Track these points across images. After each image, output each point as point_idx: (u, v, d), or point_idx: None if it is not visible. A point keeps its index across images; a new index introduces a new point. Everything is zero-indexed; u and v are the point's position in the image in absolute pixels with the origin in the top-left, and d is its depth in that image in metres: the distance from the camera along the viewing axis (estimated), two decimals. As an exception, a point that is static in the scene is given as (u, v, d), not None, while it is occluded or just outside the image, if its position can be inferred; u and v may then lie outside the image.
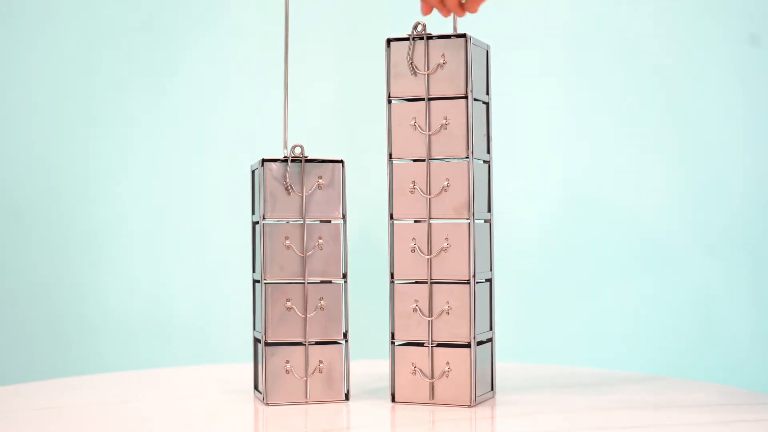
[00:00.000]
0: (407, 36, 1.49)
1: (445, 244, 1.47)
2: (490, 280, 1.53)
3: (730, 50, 2.52)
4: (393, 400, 1.50)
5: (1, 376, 2.56)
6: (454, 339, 1.47)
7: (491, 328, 1.53)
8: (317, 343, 1.53)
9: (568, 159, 2.57)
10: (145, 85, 2.68)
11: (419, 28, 1.48)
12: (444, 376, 1.47)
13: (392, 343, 1.50)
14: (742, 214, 2.53)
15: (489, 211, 1.53)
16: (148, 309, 2.66)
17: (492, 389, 1.53)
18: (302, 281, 1.52)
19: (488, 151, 1.53)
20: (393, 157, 1.50)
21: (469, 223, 1.46)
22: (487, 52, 1.53)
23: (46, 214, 2.66)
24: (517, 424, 1.40)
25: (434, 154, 1.48)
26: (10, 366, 2.64)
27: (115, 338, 2.66)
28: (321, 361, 1.52)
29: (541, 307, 2.58)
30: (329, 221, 1.54)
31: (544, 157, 2.59)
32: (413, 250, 1.49)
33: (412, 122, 1.48)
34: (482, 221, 1.51)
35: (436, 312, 1.48)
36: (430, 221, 1.48)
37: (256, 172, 1.55)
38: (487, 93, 1.53)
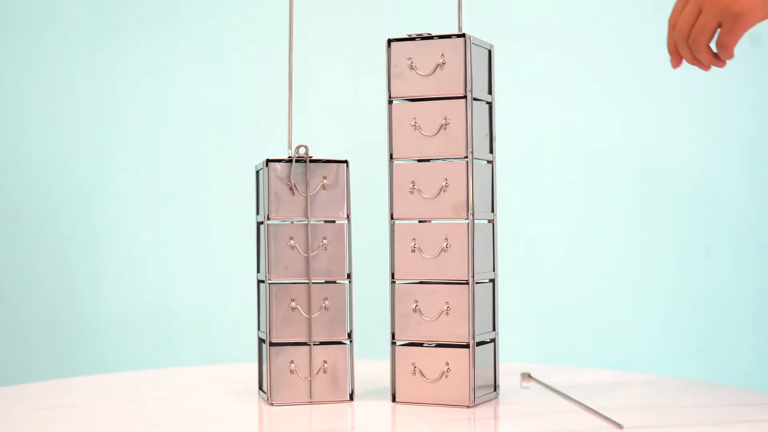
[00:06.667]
0: (407, 36, 1.55)
1: (445, 244, 1.52)
2: (493, 281, 1.58)
3: (737, 51, 2.56)
4: (393, 400, 1.54)
5: (2, 377, 2.60)
6: (453, 339, 1.52)
7: (494, 329, 1.57)
8: (321, 343, 1.56)
9: (572, 160, 2.61)
10: (147, 85, 2.70)
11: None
12: (443, 377, 1.52)
13: (393, 343, 1.55)
14: (742, 213, 2.56)
15: (492, 210, 1.58)
16: (151, 309, 2.68)
17: (495, 390, 1.57)
18: (306, 281, 1.56)
19: (491, 151, 1.57)
20: (393, 157, 1.55)
21: (468, 223, 1.52)
22: (490, 52, 1.58)
23: (48, 214, 2.69)
24: (516, 424, 1.43)
25: (434, 154, 1.53)
26: (12, 366, 2.66)
27: (118, 338, 2.68)
28: (325, 362, 1.56)
29: (544, 307, 2.62)
30: (333, 221, 1.58)
31: (548, 158, 2.63)
32: (413, 250, 1.54)
33: (413, 122, 1.54)
34: (485, 221, 1.56)
35: (435, 312, 1.53)
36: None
37: (261, 172, 1.59)
38: (490, 93, 1.58)
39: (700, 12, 1.37)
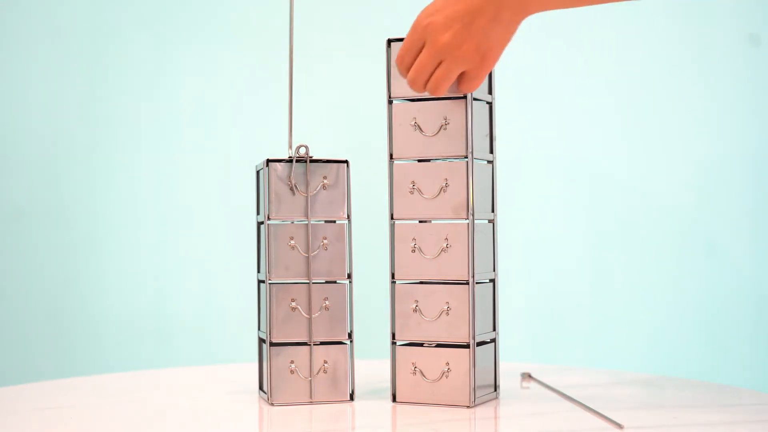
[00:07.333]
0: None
1: (445, 245, 1.53)
2: (493, 281, 1.58)
3: (733, 48, 2.56)
4: (394, 400, 1.55)
5: (4, 377, 2.61)
6: (453, 340, 1.52)
7: (494, 329, 1.58)
8: (322, 343, 1.56)
9: (575, 161, 2.61)
10: (149, 85, 2.71)
11: None
12: (443, 377, 1.52)
13: (393, 343, 1.55)
14: (742, 214, 2.57)
15: (492, 210, 1.58)
16: (152, 309, 2.69)
17: (495, 390, 1.58)
18: (307, 281, 1.56)
19: (491, 151, 1.58)
20: (393, 157, 1.56)
21: (468, 224, 1.52)
22: (490, 52, 1.59)
23: (49, 214, 2.70)
24: (516, 424, 1.43)
25: (434, 155, 1.53)
26: (13, 366, 2.67)
27: (119, 339, 2.69)
28: (326, 362, 1.56)
29: (544, 307, 2.62)
30: (334, 221, 1.58)
31: (551, 159, 2.63)
32: (413, 250, 1.54)
33: (413, 122, 1.54)
34: (485, 221, 1.56)
35: (436, 312, 1.53)
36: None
37: (261, 172, 1.59)
38: (490, 93, 1.58)
39: (439, 63, 1.39)
